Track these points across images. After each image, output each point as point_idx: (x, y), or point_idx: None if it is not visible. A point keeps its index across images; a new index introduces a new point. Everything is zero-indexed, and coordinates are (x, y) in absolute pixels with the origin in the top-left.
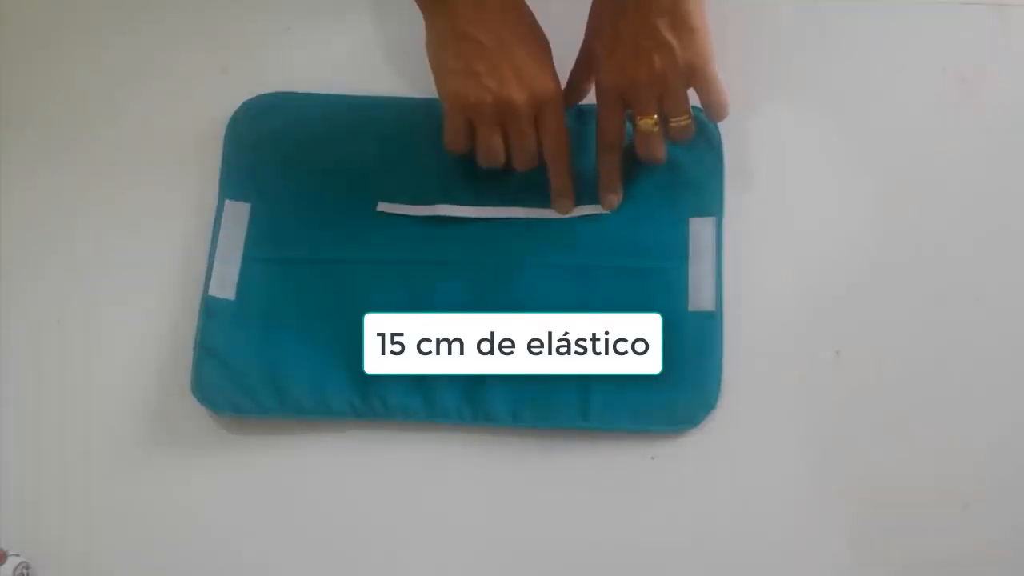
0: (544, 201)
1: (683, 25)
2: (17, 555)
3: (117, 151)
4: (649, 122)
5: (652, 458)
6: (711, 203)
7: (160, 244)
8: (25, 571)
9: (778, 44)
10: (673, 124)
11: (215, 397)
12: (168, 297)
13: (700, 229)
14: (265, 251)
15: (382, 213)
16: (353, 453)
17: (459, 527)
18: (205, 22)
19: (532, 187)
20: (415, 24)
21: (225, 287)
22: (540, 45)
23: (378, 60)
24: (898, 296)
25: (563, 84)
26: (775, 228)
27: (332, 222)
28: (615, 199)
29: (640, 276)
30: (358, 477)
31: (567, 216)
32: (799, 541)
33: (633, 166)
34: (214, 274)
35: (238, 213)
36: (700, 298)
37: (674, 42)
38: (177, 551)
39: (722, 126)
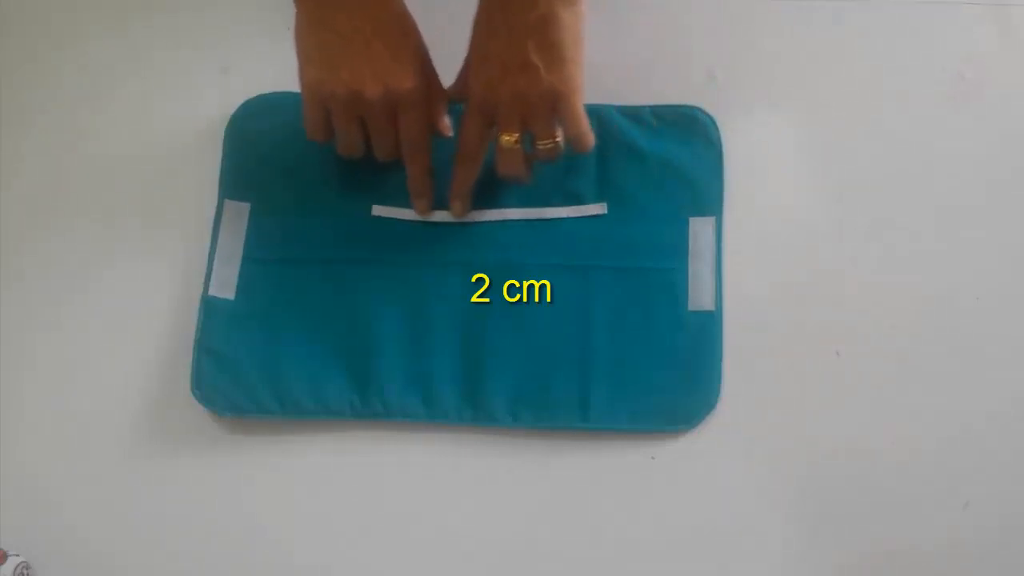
0: (541, 201)
1: (551, 51)
2: (17, 555)
3: (117, 150)
4: (509, 139)
5: (652, 458)
6: (711, 203)
7: (160, 244)
8: (25, 571)
9: (778, 44)
10: (539, 146)
11: (215, 397)
12: (168, 297)
13: (700, 229)
14: (265, 251)
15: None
16: (353, 453)
17: (459, 527)
18: (205, 22)
19: (529, 188)
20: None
21: (225, 287)
22: (405, 40)
23: None
24: (898, 296)
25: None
26: (775, 228)
27: (332, 222)
28: (460, 207)
29: (640, 276)
30: (358, 477)
31: (425, 218)
32: (798, 540)
33: (633, 166)
34: (214, 274)
35: (238, 213)
36: (700, 298)
37: (540, 65)
38: (177, 551)
39: (722, 126)
